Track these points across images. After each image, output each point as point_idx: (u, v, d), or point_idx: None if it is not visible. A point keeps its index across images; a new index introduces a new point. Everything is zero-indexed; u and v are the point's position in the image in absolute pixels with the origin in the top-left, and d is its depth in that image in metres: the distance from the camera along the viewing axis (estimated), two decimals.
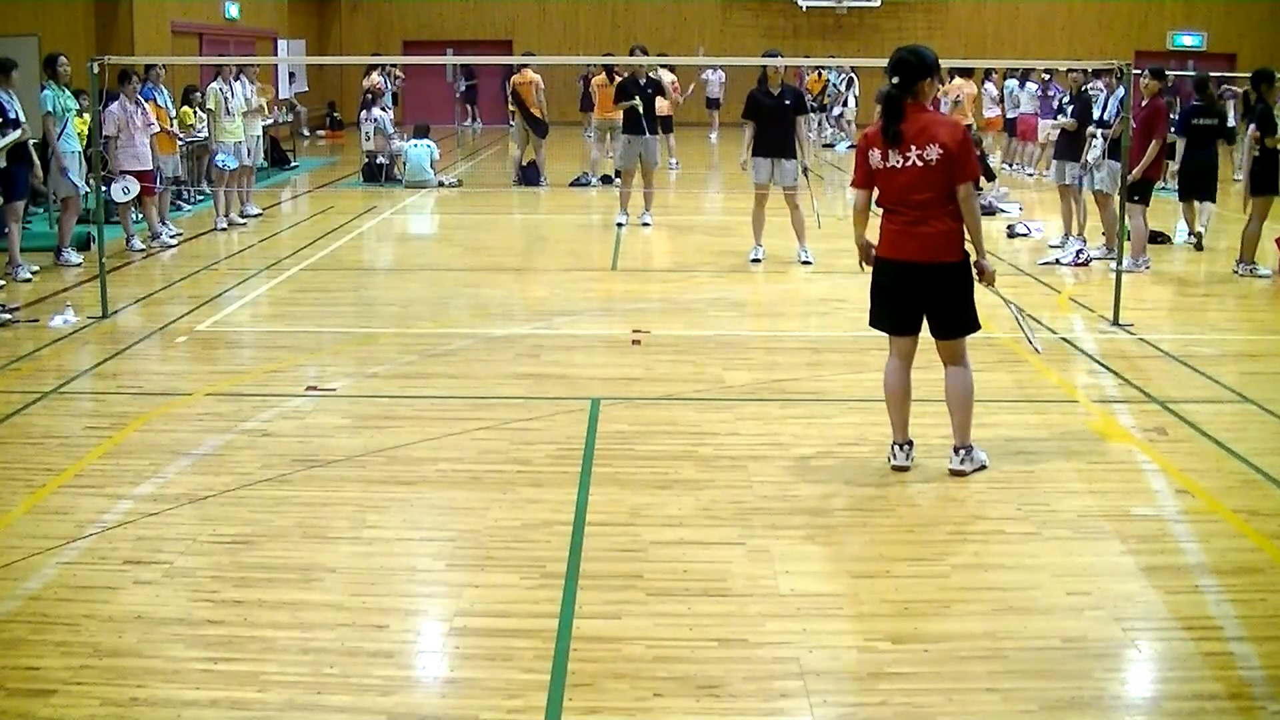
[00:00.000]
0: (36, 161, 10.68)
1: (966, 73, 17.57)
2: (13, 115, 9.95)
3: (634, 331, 8.52)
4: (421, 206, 15.84)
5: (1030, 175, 18.56)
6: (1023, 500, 5.34)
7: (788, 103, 10.86)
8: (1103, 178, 11.11)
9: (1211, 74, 13.25)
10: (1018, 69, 19.24)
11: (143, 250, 11.91)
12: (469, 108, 29.77)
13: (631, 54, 15.64)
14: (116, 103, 11.59)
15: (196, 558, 4.73)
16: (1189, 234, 12.61)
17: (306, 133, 25.64)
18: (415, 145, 17.20)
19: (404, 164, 17.25)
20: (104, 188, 10.35)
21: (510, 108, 18.06)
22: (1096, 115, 11.33)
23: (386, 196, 16.28)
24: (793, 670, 3.88)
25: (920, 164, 5.34)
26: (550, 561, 4.70)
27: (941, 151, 5.31)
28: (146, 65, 12.97)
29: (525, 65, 16.17)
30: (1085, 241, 11.66)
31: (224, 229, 13.36)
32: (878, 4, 28.69)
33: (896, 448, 5.70)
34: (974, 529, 5.08)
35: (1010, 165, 19.58)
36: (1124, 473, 5.78)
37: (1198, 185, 12.19)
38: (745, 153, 11.06)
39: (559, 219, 14.99)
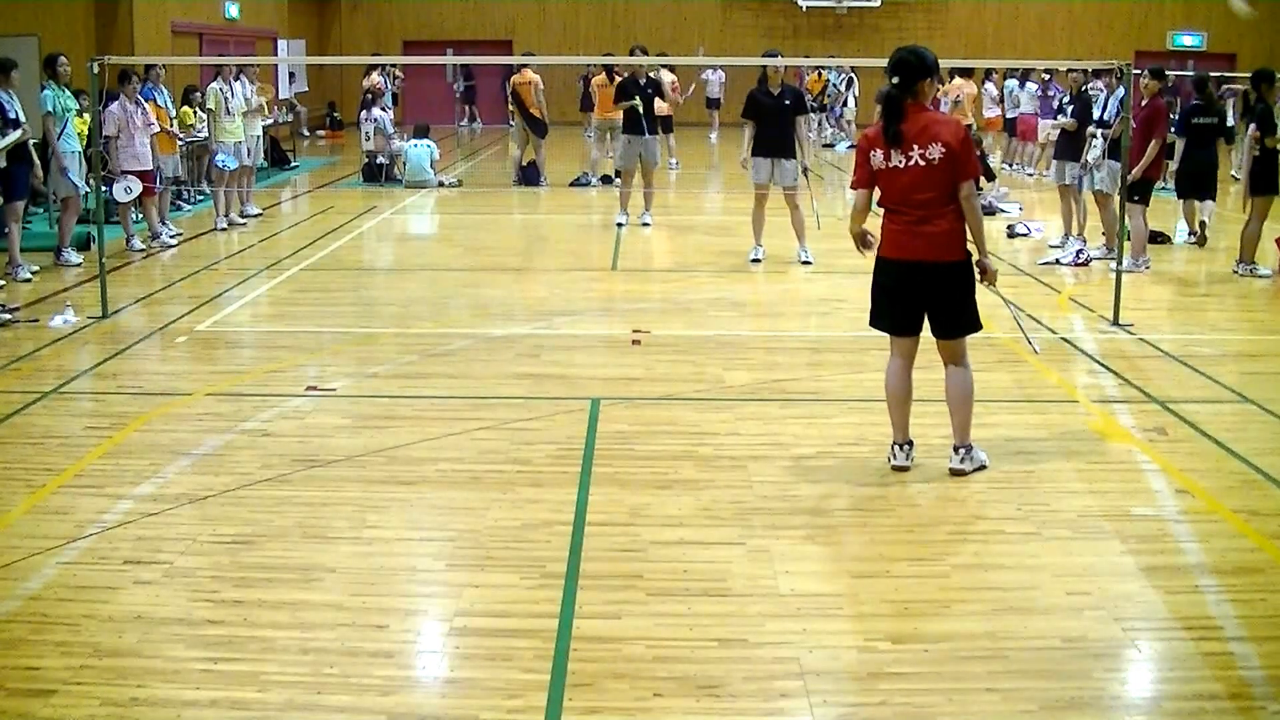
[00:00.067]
0: (36, 161, 10.68)
1: (966, 73, 17.57)
2: (13, 115, 9.96)
3: (634, 331, 8.52)
4: (421, 206, 15.84)
5: (1030, 175, 18.56)
6: (1023, 500, 5.34)
7: (788, 103, 10.86)
8: (1103, 178, 11.11)
9: (1212, 74, 13.21)
10: (1018, 69, 19.24)
11: (143, 250, 11.91)
12: (468, 108, 29.79)
13: (631, 54, 15.66)
14: (116, 103, 11.58)
15: (196, 558, 4.73)
16: (1189, 234, 12.62)
17: (306, 133, 25.64)
18: (415, 145, 17.20)
19: (404, 164, 17.25)
20: (105, 188, 10.35)
21: (510, 108, 18.07)
22: (1096, 115, 11.34)
23: (386, 196, 16.28)
24: (793, 670, 3.88)
25: (923, 163, 5.35)
26: (550, 561, 4.70)
27: (944, 150, 5.31)
28: (146, 65, 12.96)
29: (525, 65, 16.18)
30: (1085, 241, 11.66)
31: (224, 229, 13.36)
32: (878, 4, 28.69)
33: (896, 448, 5.70)
34: (974, 529, 5.08)
35: (1010, 165, 19.58)
36: (1124, 473, 5.78)
37: (1197, 184, 12.19)
38: (745, 151, 11.07)
39: (559, 219, 14.99)
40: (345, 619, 4.22)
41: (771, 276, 10.84)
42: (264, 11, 24.92)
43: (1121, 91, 10.09)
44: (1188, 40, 28.86)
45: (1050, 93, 16.52)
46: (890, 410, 5.72)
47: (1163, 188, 13.29)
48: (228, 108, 13.44)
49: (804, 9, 29.01)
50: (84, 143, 11.34)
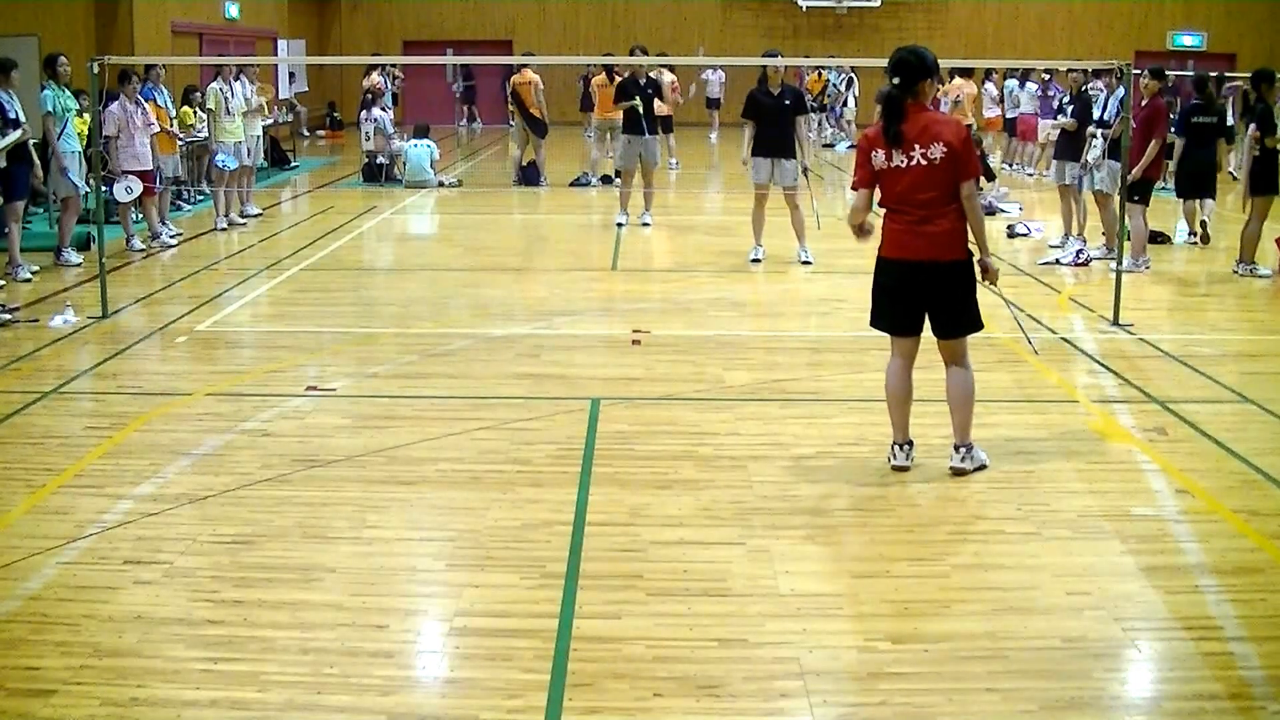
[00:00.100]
0: (36, 161, 10.68)
1: (966, 73, 17.57)
2: (13, 115, 9.96)
3: (634, 331, 8.52)
4: (421, 206, 15.84)
5: (1030, 175, 18.56)
6: (1023, 500, 5.34)
7: (787, 103, 10.85)
8: (1103, 178, 11.11)
9: (1212, 74, 13.20)
10: (1018, 69, 19.23)
11: (143, 250, 11.91)
12: (467, 108, 29.79)
13: (631, 54, 15.66)
14: (116, 103, 11.58)
15: (196, 558, 4.73)
16: (1189, 234, 12.62)
17: (306, 133, 25.64)
18: (415, 145, 17.20)
19: (404, 164, 17.26)
20: (105, 188, 10.35)
21: (510, 108, 18.07)
22: (1096, 115, 11.34)
23: (386, 196, 16.28)
24: (793, 670, 3.88)
25: (925, 163, 5.35)
26: (550, 561, 4.70)
27: (946, 150, 5.32)
28: (146, 65, 12.96)
29: (525, 65, 16.18)
30: (1085, 241, 11.66)
31: (224, 229, 13.36)
32: (878, 4, 28.68)
33: (896, 448, 5.70)
34: (974, 529, 5.08)
35: (1010, 165, 19.58)
36: (1124, 473, 5.78)
37: (1197, 184, 12.19)
38: (745, 150, 11.07)
39: (559, 219, 14.99)
40: (345, 619, 4.22)
41: (771, 276, 10.84)
42: (264, 11, 24.92)
43: (1121, 91, 10.09)
44: (1188, 40, 28.86)
45: (1050, 93, 16.51)
46: (890, 410, 5.72)
47: (1163, 188, 13.29)
48: (228, 108, 13.44)
49: (804, 9, 29.01)
50: (84, 143, 11.34)
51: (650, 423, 6.47)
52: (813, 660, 3.94)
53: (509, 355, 7.91)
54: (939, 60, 5.54)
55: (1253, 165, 10.83)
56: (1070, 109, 11.94)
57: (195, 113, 14.57)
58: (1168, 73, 12.36)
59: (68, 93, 11.08)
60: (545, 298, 9.95)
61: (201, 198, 14.94)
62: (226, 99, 13.39)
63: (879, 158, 5.47)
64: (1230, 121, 16.03)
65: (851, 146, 21.37)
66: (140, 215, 12.36)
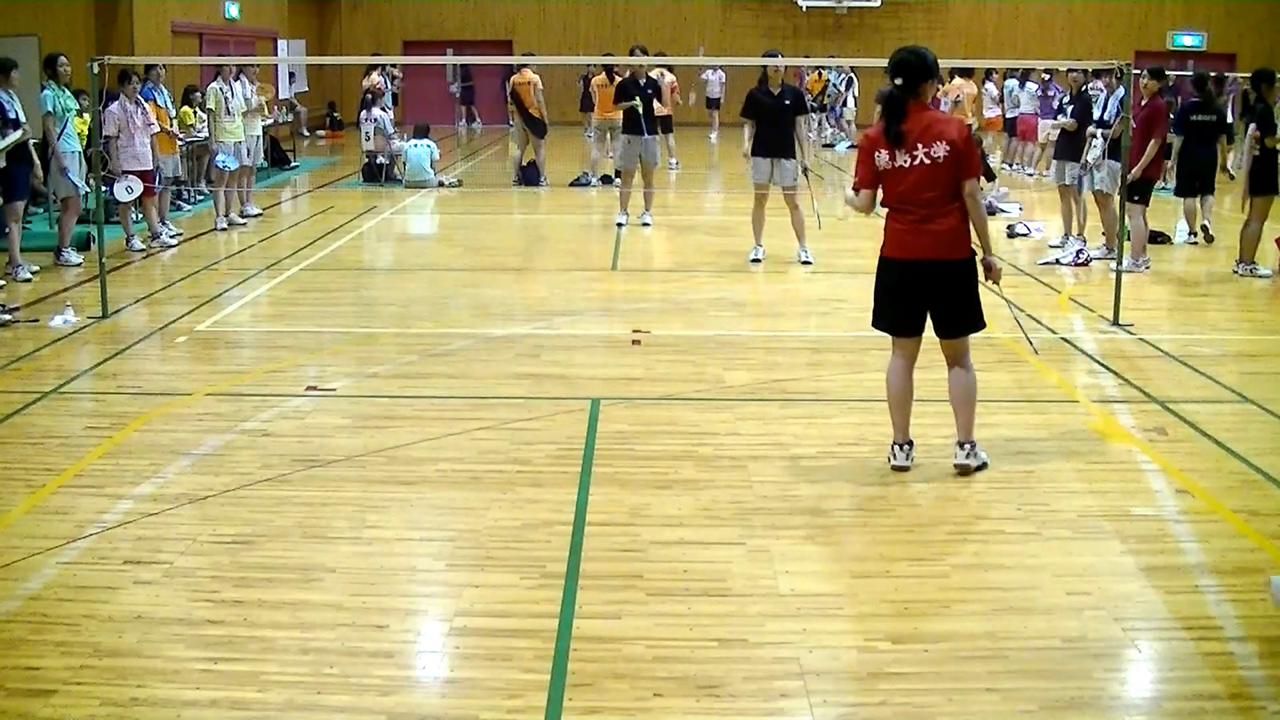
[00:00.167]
0: (36, 161, 10.68)
1: (966, 73, 17.57)
2: (13, 115, 9.95)
3: (634, 331, 8.52)
4: (421, 206, 15.84)
5: (1030, 175, 18.56)
6: (1023, 500, 5.34)
7: (788, 103, 10.85)
8: (1103, 178, 11.11)
9: (1213, 73, 13.19)
10: (1018, 69, 19.23)
11: (143, 250, 11.91)
12: (466, 108, 29.79)
13: (631, 54, 15.66)
14: (116, 103, 11.58)
15: (196, 558, 4.73)
16: (1189, 233, 12.62)
17: (306, 133, 25.64)
18: (415, 145, 17.20)
19: (404, 164, 17.26)
20: (105, 188, 10.35)
21: (510, 108, 18.07)
22: (1096, 115, 11.33)
23: (386, 196, 16.28)
24: (793, 670, 3.88)
25: (928, 162, 5.36)
26: (550, 561, 4.70)
27: (949, 148, 5.33)
28: (146, 65, 12.96)
29: (525, 65, 16.18)
30: (1085, 241, 11.66)
31: (224, 229, 13.36)
32: (878, 4, 28.69)
33: (897, 448, 5.70)
34: (974, 529, 5.08)
35: (1010, 165, 19.58)
36: (1124, 473, 5.78)
37: (1196, 181, 12.18)
38: (746, 145, 11.06)
39: (559, 219, 14.98)
40: (345, 619, 4.22)
41: (771, 276, 10.84)
42: (264, 11, 24.92)
43: (1121, 91, 10.09)
44: (1188, 40, 28.86)
45: (1050, 93, 16.51)
46: (891, 410, 5.72)
47: (1163, 187, 13.29)
48: (228, 108, 13.44)
49: (804, 9, 29.01)
50: (84, 143, 11.34)
51: (650, 423, 6.47)
52: (813, 660, 3.94)
53: (509, 355, 7.91)
54: (939, 60, 5.55)
55: (1252, 165, 10.83)
56: (1070, 109, 11.93)
57: (195, 113, 14.57)
58: (1168, 72, 12.35)
59: (68, 93, 11.08)
60: (545, 298, 9.94)
61: (201, 198, 14.94)
62: (226, 99, 13.39)
63: (882, 157, 5.47)
64: (1230, 120, 16.04)
65: (851, 146, 21.38)
66: (140, 215, 12.36)
